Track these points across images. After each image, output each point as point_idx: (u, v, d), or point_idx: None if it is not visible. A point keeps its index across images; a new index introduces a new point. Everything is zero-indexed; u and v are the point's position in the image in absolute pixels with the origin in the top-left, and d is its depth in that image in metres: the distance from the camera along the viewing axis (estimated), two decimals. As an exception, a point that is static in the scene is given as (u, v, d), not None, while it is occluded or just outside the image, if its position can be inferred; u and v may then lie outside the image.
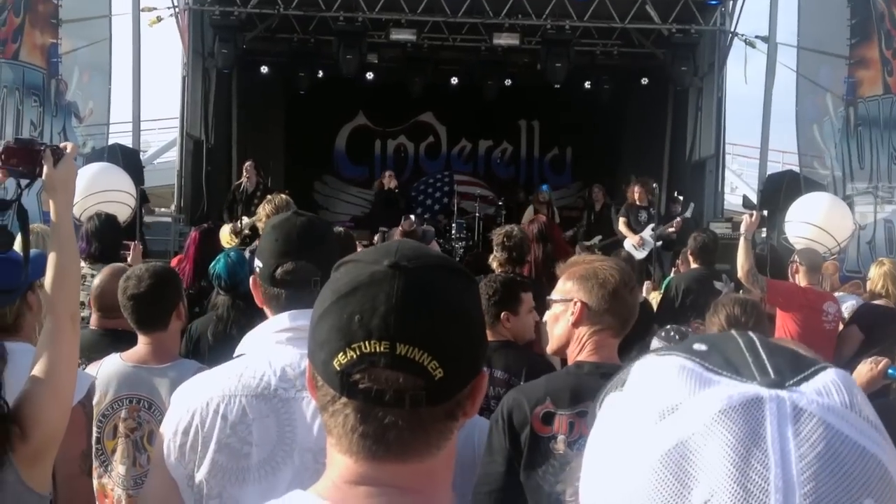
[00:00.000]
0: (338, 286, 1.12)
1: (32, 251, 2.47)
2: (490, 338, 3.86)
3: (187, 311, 3.49)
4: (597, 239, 12.67)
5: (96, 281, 3.90)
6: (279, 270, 2.08)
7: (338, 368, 1.07)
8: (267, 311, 2.15)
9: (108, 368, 3.20)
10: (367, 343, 1.06)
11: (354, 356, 1.06)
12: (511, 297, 4.04)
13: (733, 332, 0.70)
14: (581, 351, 2.66)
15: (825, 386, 0.64)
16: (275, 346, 1.99)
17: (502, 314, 3.97)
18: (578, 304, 2.63)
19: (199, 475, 1.85)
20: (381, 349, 1.05)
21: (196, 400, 1.91)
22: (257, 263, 2.17)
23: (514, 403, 2.60)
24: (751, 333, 0.70)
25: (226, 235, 7.03)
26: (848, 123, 12.66)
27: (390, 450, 1.08)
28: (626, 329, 2.67)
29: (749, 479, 0.59)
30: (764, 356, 0.66)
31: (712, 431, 0.61)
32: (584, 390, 2.53)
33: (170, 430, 1.90)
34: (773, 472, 0.59)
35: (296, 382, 1.89)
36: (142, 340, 3.28)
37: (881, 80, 12.54)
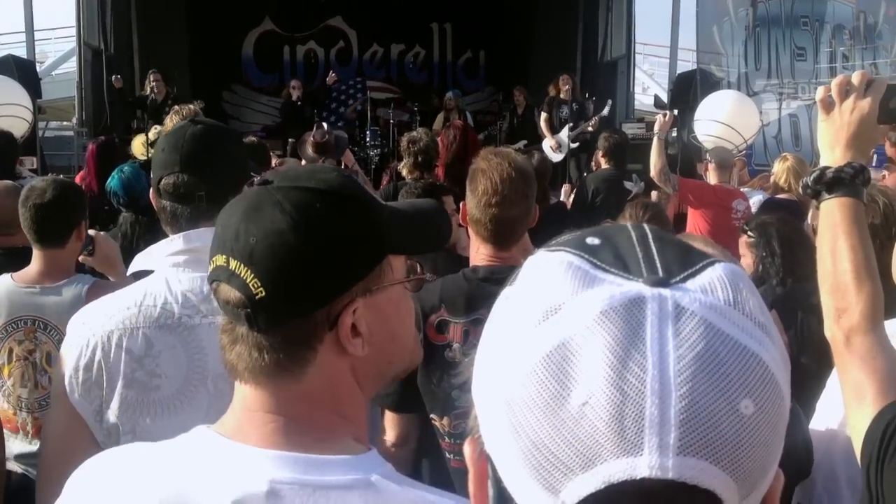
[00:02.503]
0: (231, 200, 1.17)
1: None
2: None
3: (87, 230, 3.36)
4: (521, 143, 12.69)
5: None
6: (162, 182, 1.96)
7: (210, 280, 1.14)
8: (163, 226, 2.04)
9: (0, 290, 3.07)
10: (219, 256, 1.11)
11: (212, 268, 1.12)
12: None
13: (628, 224, 0.68)
14: (477, 254, 2.61)
15: (710, 282, 0.63)
16: (172, 270, 1.89)
17: None
18: (462, 205, 2.60)
19: (110, 412, 1.78)
20: (222, 262, 1.10)
21: (96, 332, 1.81)
22: (151, 174, 2.06)
23: None
24: (645, 226, 0.68)
25: (138, 146, 6.80)
26: (747, 25, 12.83)
27: (241, 366, 1.11)
28: (505, 239, 2.55)
29: (626, 381, 0.58)
30: (654, 250, 0.65)
31: (593, 333, 0.59)
32: (478, 297, 2.46)
33: (70, 364, 1.81)
34: (650, 373, 0.58)
35: (200, 308, 1.82)
36: (36, 257, 3.14)
37: (783, -23, 12.69)
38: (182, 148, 1.96)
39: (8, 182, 3.82)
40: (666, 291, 0.61)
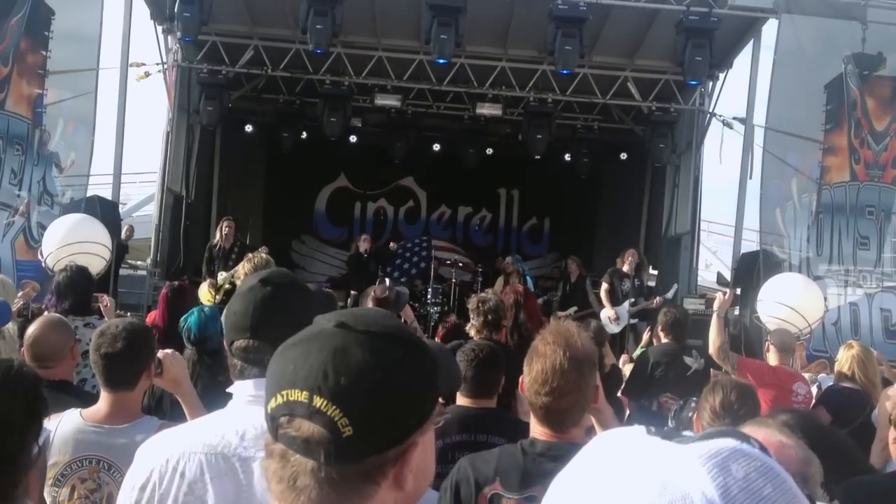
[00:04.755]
0: (291, 338, 1.20)
1: None
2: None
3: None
4: (572, 310, 12.78)
5: (30, 330, 3.77)
6: (234, 346, 2.05)
7: (269, 412, 1.15)
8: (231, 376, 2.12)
9: (68, 426, 3.07)
10: (292, 391, 1.12)
11: (281, 402, 1.12)
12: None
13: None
14: (535, 426, 2.58)
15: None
16: (238, 408, 1.98)
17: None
18: (521, 378, 2.58)
19: None
20: (302, 398, 1.10)
21: (156, 457, 1.89)
22: (224, 331, 2.14)
23: (463, 476, 2.55)
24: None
25: (204, 293, 7.00)
26: (811, 210, 12.93)
27: (299, 499, 1.13)
28: (558, 425, 2.52)
29: None
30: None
31: None
32: (534, 474, 2.44)
33: (128, 486, 1.89)
34: None
35: (257, 442, 1.87)
36: (105, 398, 3.16)
37: (848, 167, 12.83)
38: (252, 314, 2.03)
39: (53, 316, 3.93)
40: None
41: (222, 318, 2.18)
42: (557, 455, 2.47)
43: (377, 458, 1.13)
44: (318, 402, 1.09)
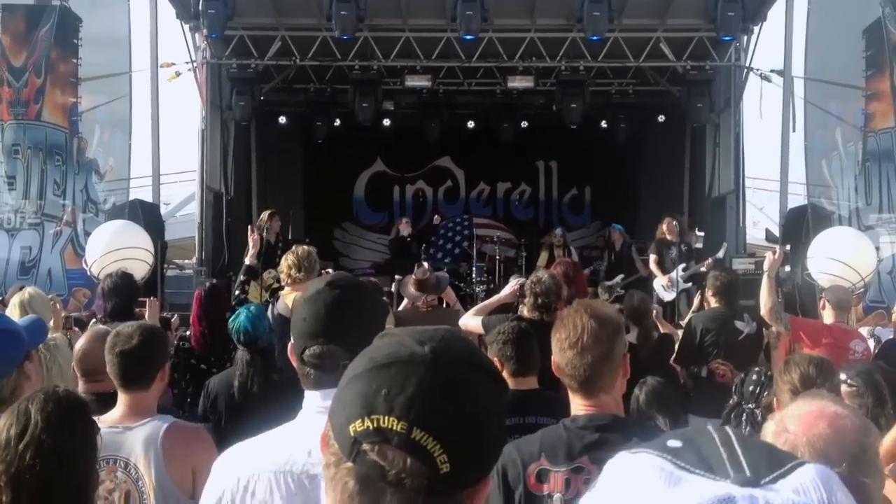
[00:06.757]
0: (376, 356, 1.15)
1: (28, 318, 2.49)
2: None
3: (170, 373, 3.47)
4: (619, 278, 12.67)
5: (78, 344, 3.81)
6: (306, 353, 2.02)
7: (351, 434, 1.09)
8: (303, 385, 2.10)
9: None
10: (386, 418, 1.07)
11: (371, 427, 1.08)
12: None
13: (709, 427, 0.67)
14: (573, 404, 2.62)
15: (802, 484, 0.61)
16: (307, 420, 1.98)
17: None
18: (553, 358, 2.63)
19: None
20: (398, 428, 1.06)
21: (229, 477, 1.93)
22: (291, 338, 2.11)
23: (509, 459, 2.57)
24: (727, 429, 0.67)
25: (254, 291, 7.11)
26: (858, 159, 12.64)
27: None
28: (590, 386, 2.56)
29: None
30: (739, 451, 0.63)
31: None
32: (578, 446, 2.49)
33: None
34: None
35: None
36: (121, 399, 3.23)
37: (892, 112, 12.51)
38: (323, 318, 2.01)
39: (99, 328, 3.97)
40: (757, 492, 0.59)
41: (291, 327, 2.14)
42: (600, 425, 2.52)
43: (465, 492, 1.11)
44: (418, 434, 1.06)
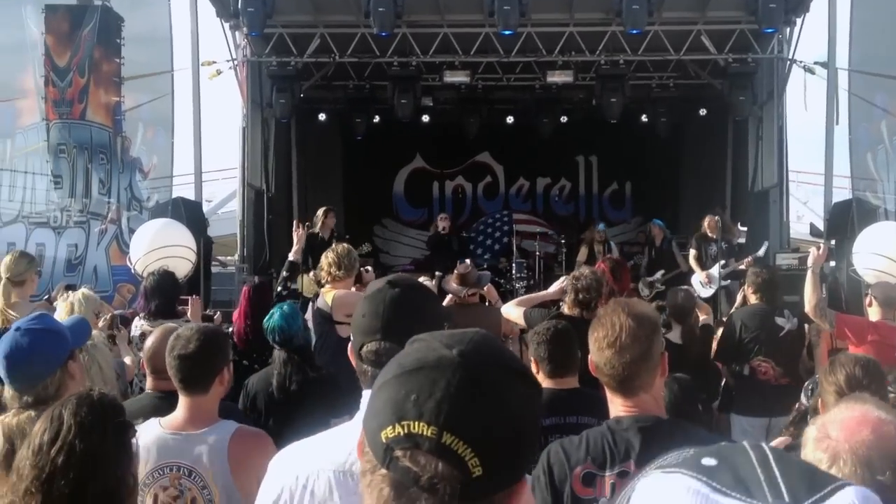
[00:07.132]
0: (404, 361, 1.15)
1: (72, 318, 2.51)
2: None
3: (233, 374, 3.46)
4: (659, 274, 12.57)
5: (148, 342, 3.87)
6: (364, 349, 2.03)
7: (383, 440, 1.09)
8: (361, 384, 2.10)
9: (148, 436, 3.12)
10: (416, 423, 1.07)
11: (401, 433, 1.08)
12: None
13: (745, 444, 0.65)
14: (613, 406, 2.61)
15: None
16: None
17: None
18: (591, 359, 2.63)
19: None
20: (428, 433, 1.06)
21: (287, 475, 1.95)
22: (351, 336, 2.12)
23: (556, 459, 2.57)
24: (763, 446, 0.65)
25: (308, 285, 7.17)
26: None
27: None
28: (628, 385, 2.56)
29: None
30: (777, 473, 0.61)
31: None
32: (624, 450, 2.49)
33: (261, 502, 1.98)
34: None
35: None
36: (182, 403, 3.24)
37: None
38: (383, 315, 2.01)
39: (168, 326, 4.00)
40: None
41: (351, 325, 2.14)
42: (643, 427, 2.50)
43: (497, 494, 1.11)
44: (448, 439, 1.06)
